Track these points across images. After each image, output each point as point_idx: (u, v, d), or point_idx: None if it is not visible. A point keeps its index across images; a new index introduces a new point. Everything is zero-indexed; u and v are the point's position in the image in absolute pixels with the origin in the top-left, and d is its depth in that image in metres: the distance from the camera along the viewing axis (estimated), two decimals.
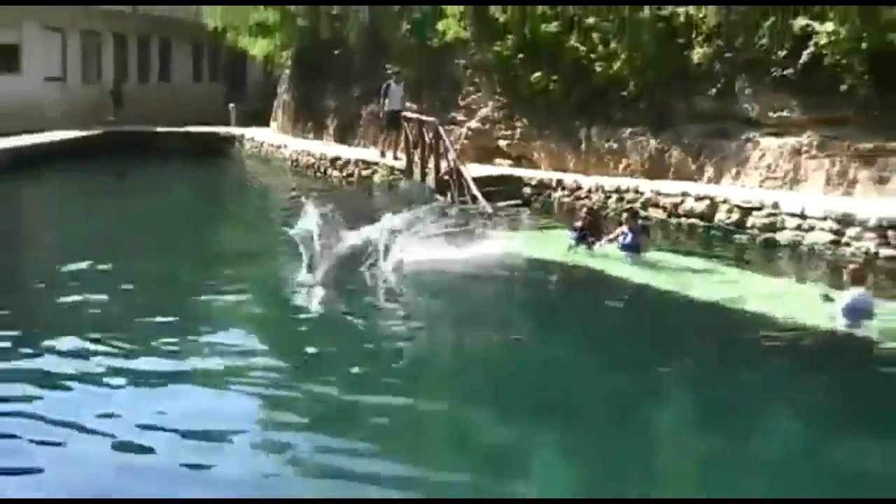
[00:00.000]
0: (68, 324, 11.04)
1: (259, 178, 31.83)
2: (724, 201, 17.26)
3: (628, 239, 14.74)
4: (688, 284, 12.94)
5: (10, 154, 28.56)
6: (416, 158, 23.01)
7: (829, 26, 16.37)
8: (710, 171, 19.05)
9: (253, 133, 36.61)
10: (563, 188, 20.92)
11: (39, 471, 6.90)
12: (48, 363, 9.35)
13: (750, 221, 16.63)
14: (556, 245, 15.65)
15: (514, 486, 6.74)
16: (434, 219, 14.93)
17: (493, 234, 16.74)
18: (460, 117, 25.06)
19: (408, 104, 24.97)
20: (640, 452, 7.41)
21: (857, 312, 10.75)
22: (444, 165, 21.37)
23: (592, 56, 21.09)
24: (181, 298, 12.37)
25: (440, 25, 24.78)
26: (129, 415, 7.93)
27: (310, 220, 13.84)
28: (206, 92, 45.71)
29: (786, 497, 6.31)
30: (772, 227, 16.25)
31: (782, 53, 17.49)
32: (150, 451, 7.30)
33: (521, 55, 22.79)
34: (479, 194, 19.80)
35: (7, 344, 9.92)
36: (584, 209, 16.46)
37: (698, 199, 17.76)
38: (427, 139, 22.22)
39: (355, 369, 9.48)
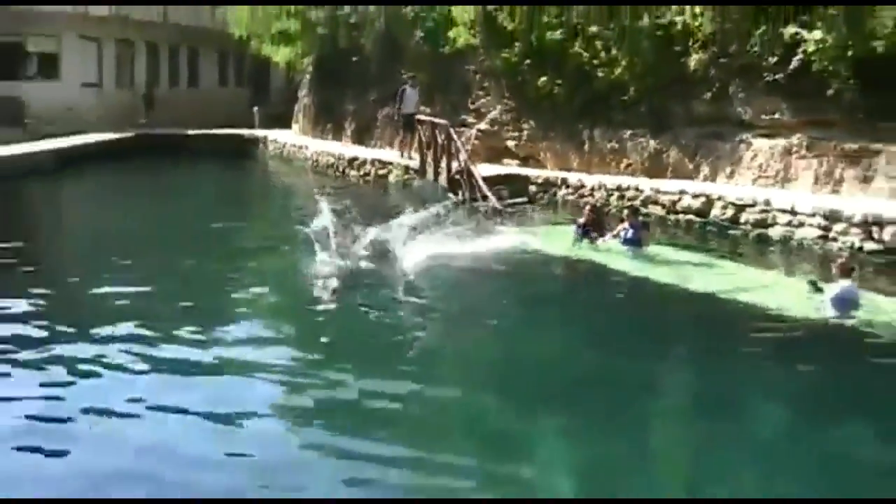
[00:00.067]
0: (104, 311, 11.08)
1: (281, 177, 31.87)
2: (719, 199, 17.25)
3: (629, 234, 14.74)
4: (685, 277, 12.93)
5: (54, 155, 28.71)
6: (429, 158, 23.02)
7: (817, 34, 16.35)
8: (705, 170, 19.06)
9: (276, 135, 36.65)
10: (568, 186, 20.92)
11: (67, 452, 6.90)
12: (82, 350, 9.34)
13: (743, 217, 16.62)
14: (561, 240, 15.63)
15: (518, 468, 6.71)
16: (448, 215, 14.97)
17: (503, 229, 16.77)
18: (470, 120, 25.09)
19: (421, 107, 25.00)
20: (640, 436, 7.39)
21: (844, 303, 10.77)
22: (455, 165, 21.37)
23: (595, 62, 21.09)
24: (207, 290, 12.35)
25: (451, 33, 24.78)
26: (156, 399, 7.94)
27: (324, 217, 13.91)
28: (231, 96, 45.78)
29: (786, 497, 6.23)
30: (764, 223, 16.23)
31: (773, 60, 17.47)
32: (174, 435, 7.29)
33: (527, 61, 22.82)
34: (488, 192, 19.82)
35: (44, 333, 9.94)
36: (588, 206, 16.41)
37: (695, 196, 17.74)
38: (439, 140, 22.22)
39: (368, 357, 9.48)
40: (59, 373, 8.69)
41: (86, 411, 7.67)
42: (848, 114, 16.35)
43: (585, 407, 8.03)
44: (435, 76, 26.41)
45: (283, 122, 38.60)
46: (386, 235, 14.48)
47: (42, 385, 8.37)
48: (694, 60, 19.09)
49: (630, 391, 8.42)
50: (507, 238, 15.81)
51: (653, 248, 14.82)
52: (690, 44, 19.20)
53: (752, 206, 16.56)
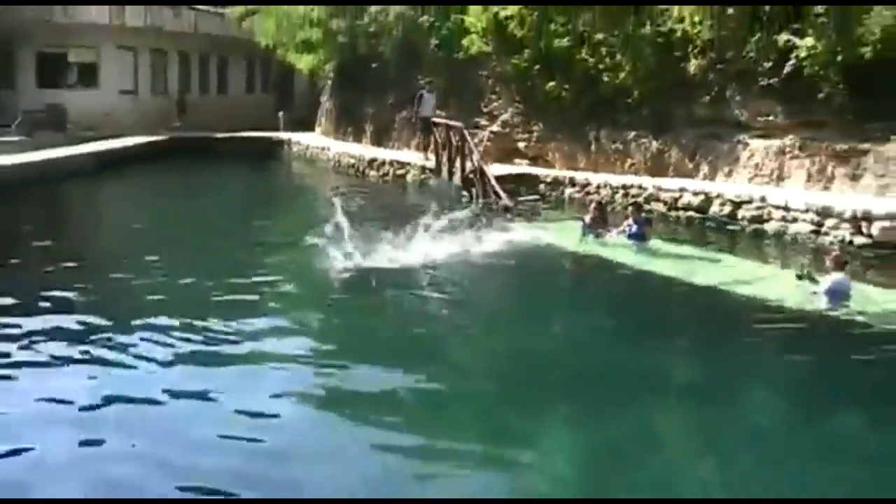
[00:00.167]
0: (139, 302, 11.14)
1: (305, 177, 31.91)
2: (718, 196, 17.25)
3: (633, 229, 14.78)
4: (686, 270, 12.92)
5: (94, 157, 28.86)
6: (444, 159, 23.05)
7: (809, 41, 16.34)
8: (705, 169, 19.06)
9: (299, 137, 36.70)
10: (575, 185, 20.94)
11: (102, 441, 6.84)
12: (120, 340, 9.31)
13: (740, 214, 16.63)
14: (569, 235, 15.65)
15: (526, 459, 6.66)
16: (465, 219, 14.99)
17: (514, 226, 16.81)
18: (483, 122, 25.10)
19: (437, 111, 25.03)
20: (642, 426, 7.34)
21: (837, 294, 10.80)
22: (468, 165, 21.36)
23: (600, 67, 21.10)
24: (233, 282, 12.14)
25: (465, 41, 24.80)
26: (182, 386, 7.97)
27: (338, 217, 13.95)
28: (258, 102, 45.89)
29: (787, 498, 6.11)
30: (760, 219, 16.24)
31: (768, 65, 17.46)
32: (196, 422, 7.26)
33: (536, 67, 22.84)
34: (500, 190, 19.82)
35: (82, 324, 9.96)
36: (594, 203, 16.38)
37: (695, 194, 17.75)
38: (454, 142, 22.23)
39: (382, 348, 9.48)
40: (94, 361, 8.66)
41: (118, 399, 7.66)
42: (838, 116, 16.34)
43: (591, 396, 7.99)
44: (450, 81, 26.42)
45: (307, 125, 38.66)
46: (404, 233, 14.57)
47: (76, 374, 8.36)
48: (693, 66, 19.09)
49: (634, 381, 8.38)
50: (518, 234, 15.83)
51: (655, 243, 14.83)
52: (690, 50, 19.19)
53: (749, 202, 16.57)
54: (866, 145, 15.91)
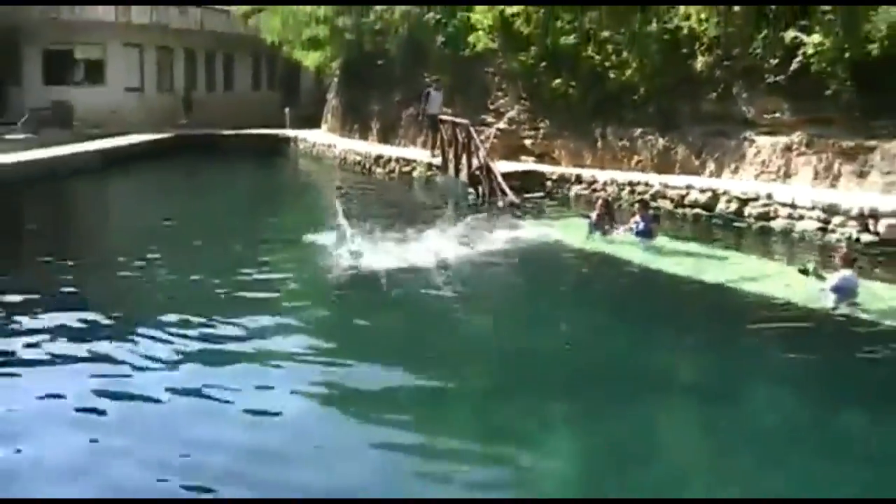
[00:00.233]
0: (146, 300, 11.23)
1: (311, 174, 31.97)
2: (724, 193, 17.24)
3: (640, 226, 14.78)
4: (693, 267, 12.95)
5: (100, 154, 29.00)
6: (451, 156, 23.08)
7: (816, 38, 16.31)
8: (711, 166, 19.06)
9: (305, 134, 36.76)
10: (582, 182, 20.93)
11: (104, 440, 6.84)
12: (122, 337, 9.34)
13: (747, 211, 16.62)
14: (576, 232, 15.63)
15: (531, 456, 6.65)
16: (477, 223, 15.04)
17: (521, 223, 16.84)
18: (489, 119, 25.13)
19: (443, 108, 25.05)
20: (648, 423, 7.36)
21: (844, 291, 10.81)
22: (475, 162, 21.38)
23: (606, 65, 21.07)
24: (237, 279, 12.24)
25: (471, 38, 24.77)
26: (187, 384, 8.00)
27: (340, 218, 14.01)
28: (264, 99, 45.94)
29: (788, 498, 6.07)
30: (766, 216, 16.23)
31: (774, 62, 17.43)
32: (204, 421, 7.26)
33: (543, 64, 22.82)
34: (506, 187, 19.85)
35: (87, 319, 10.02)
36: (600, 200, 16.38)
37: (701, 191, 17.73)
38: (460, 139, 22.27)
39: (389, 343, 9.53)
40: (98, 359, 8.69)
41: (120, 396, 7.66)
42: (845, 113, 16.31)
43: (597, 394, 7.99)
44: (456, 78, 26.45)
45: (313, 122, 38.71)
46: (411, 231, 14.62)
47: (77, 372, 8.38)
48: (700, 63, 19.06)
49: (640, 378, 8.38)
50: (524, 231, 15.86)
51: (662, 240, 14.82)
52: (696, 47, 19.16)
53: (756, 200, 16.55)
54: (873, 142, 15.89)
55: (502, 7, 23.42)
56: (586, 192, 20.52)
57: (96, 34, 37.57)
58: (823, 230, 15.04)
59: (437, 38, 27.24)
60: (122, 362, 8.60)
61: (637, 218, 14.98)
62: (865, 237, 14.33)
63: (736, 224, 16.65)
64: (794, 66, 16.98)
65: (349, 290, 12.00)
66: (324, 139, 34.77)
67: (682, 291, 11.93)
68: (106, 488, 6.09)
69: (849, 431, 7.26)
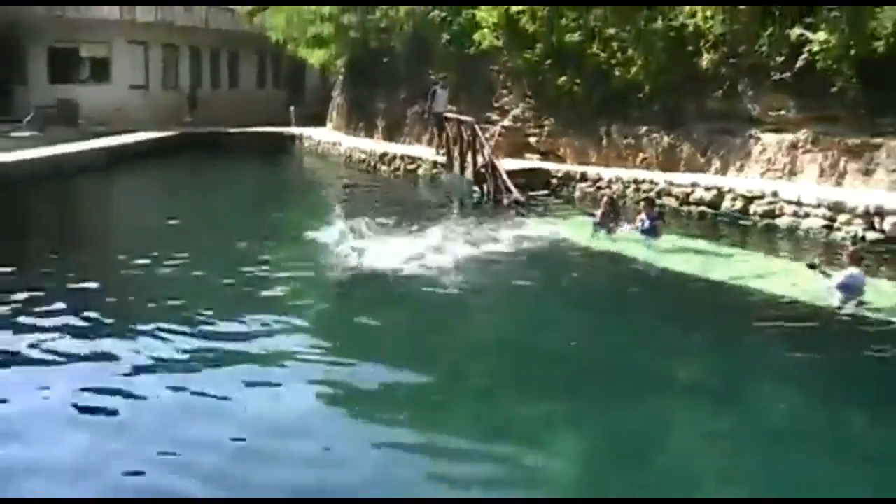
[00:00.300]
0: (148, 298, 11.15)
1: (316, 171, 31.96)
2: (730, 191, 17.22)
3: (646, 224, 14.75)
4: (698, 264, 12.95)
5: (106, 152, 29.06)
6: (456, 154, 23.08)
7: (822, 35, 16.28)
8: (716, 163, 19.04)
9: (311, 132, 36.81)
10: (587, 179, 20.89)
11: (104, 440, 6.83)
12: (127, 334, 9.37)
13: (752, 209, 16.60)
14: (581, 230, 15.65)
15: (536, 455, 6.64)
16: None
17: (526, 220, 16.85)
18: (495, 117, 25.09)
19: (449, 106, 25.05)
20: (652, 419, 7.35)
21: (850, 289, 10.80)
22: (480, 160, 21.34)
23: (612, 62, 21.02)
24: (243, 278, 12.23)
25: (476, 36, 24.75)
26: (188, 383, 8.00)
27: (342, 223, 14.05)
28: (269, 96, 45.98)
29: (791, 498, 6.03)
30: (772, 214, 16.22)
31: (780, 59, 17.41)
32: (204, 421, 7.24)
33: (548, 62, 22.78)
34: (511, 185, 19.84)
35: (91, 316, 10.03)
36: (605, 198, 16.39)
37: (707, 189, 17.71)
38: (465, 136, 22.26)
39: (393, 341, 9.50)
40: (99, 357, 8.69)
41: (122, 394, 7.66)
42: (851, 110, 16.29)
43: (602, 393, 7.97)
44: (461, 76, 26.43)
45: (318, 120, 38.75)
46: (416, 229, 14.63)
47: (82, 368, 8.42)
48: (705, 60, 19.04)
49: (646, 376, 8.38)
50: (529, 229, 15.86)
51: (667, 238, 14.80)
52: (702, 45, 19.13)
53: (761, 197, 16.54)
54: (879, 140, 15.87)
55: (507, 4, 23.42)
56: (591, 189, 20.49)
57: (101, 32, 37.64)
58: (829, 228, 15.04)
59: (442, 36, 27.23)
60: (124, 360, 8.59)
61: (643, 216, 14.96)
62: (871, 235, 14.33)
63: (741, 222, 16.63)
64: (799, 63, 16.96)
65: (352, 287, 12.00)
66: (329, 137, 34.80)
67: (688, 289, 11.92)
68: (106, 488, 6.10)
69: (855, 430, 7.25)
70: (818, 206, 15.36)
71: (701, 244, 14.74)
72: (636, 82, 20.51)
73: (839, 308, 10.60)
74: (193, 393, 7.80)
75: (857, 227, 14.56)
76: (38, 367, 8.46)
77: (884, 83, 15.56)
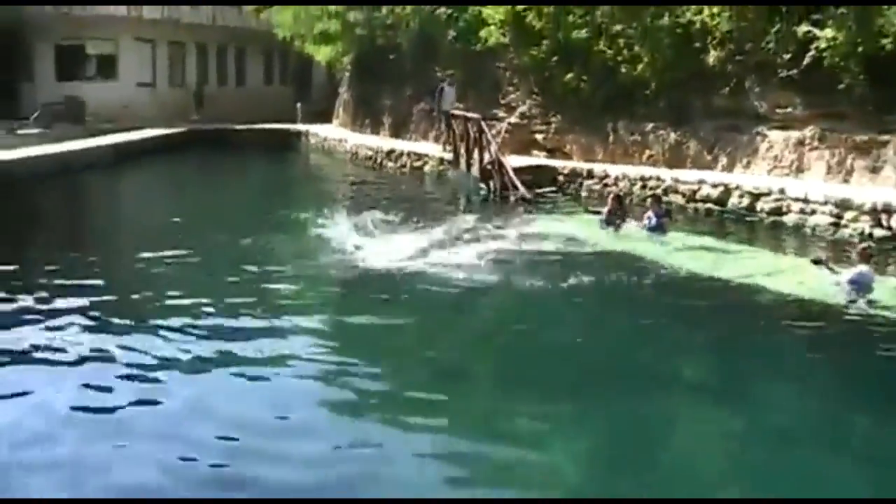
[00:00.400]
0: (155, 292, 11.19)
1: (322, 168, 32.01)
2: (737, 188, 17.20)
3: (653, 222, 14.74)
4: (705, 262, 12.92)
5: (112, 149, 29.12)
6: (462, 151, 23.09)
7: (829, 32, 16.25)
8: (723, 160, 19.01)
9: (317, 129, 36.86)
10: (593, 177, 20.89)
11: (105, 440, 6.79)
12: (126, 336, 9.31)
13: (759, 206, 16.58)
14: (587, 227, 15.61)
15: (542, 456, 6.61)
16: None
17: (532, 218, 16.84)
18: (501, 114, 25.12)
19: (455, 103, 25.05)
20: (657, 418, 7.32)
21: (859, 286, 10.78)
22: (486, 157, 21.35)
23: (618, 59, 21.02)
24: (245, 277, 12.16)
25: (483, 32, 24.77)
26: (187, 382, 8.02)
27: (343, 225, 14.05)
28: (276, 93, 46.01)
29: (794, 498, 5.97)
30: (779, 211, 16.19)
31: (787, 56, 17.37)
32: (203, 421, 7.16)
33: (554, 58, 22.78)
34: (518, 182, 19.85)
35: (89, 321, 9.91)
36: (612, 195, 16.38)
37: (713, 186, 17.69)
38: (471, 133, 22.28)
39: (396, 340, 9.48)
40: (98, 358, 8.60)
41: (123, 394, 7.61)
42: (858, 107, 16.26)
43: (607, 391, 7.93)
44: (467, 73, 26.43)
45: (325, 117, 38.80)
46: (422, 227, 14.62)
47: (82, 367, 8.38)
48: (712, 57, 19.01)
49: (652, 375, 8.35)
50: (536, 226, 15.85)
51: (674, 235, 14.77)
52: (708, 41, 19.11)
53: (768, 194, 16.52)
54: (886, 137, 15.83)
55: (515, 4, 23.40)
56: (598, 187, 20.48)
57: (108, 29, 37.73)
58: (836, 225, 15.01)
59: (448, 33, 27.23)
60: (127, 358, 8.56)
61: (650, 213, 14.95)
62: (878, 232, 14.29)
63: (748, 219, 16.60)
64: (806, 60, 16.91)
65: (357, 285, 11.97)
66: (335, 134, 34.83)
67: (695, 287, 11.88)
68: (106, 488, 6.08)
69: (863, 430, 7.22)
70: (825, 203, 15.34)
71: (708, 241, 14.70)
72: (643, 79, 20.50)
73: (847, 306, 10.56)
74: (195, 392, 7.80)
75: (865, 225, 14.53)
76: (40, 365, 8.44)
77: (891, 80, 15.51)
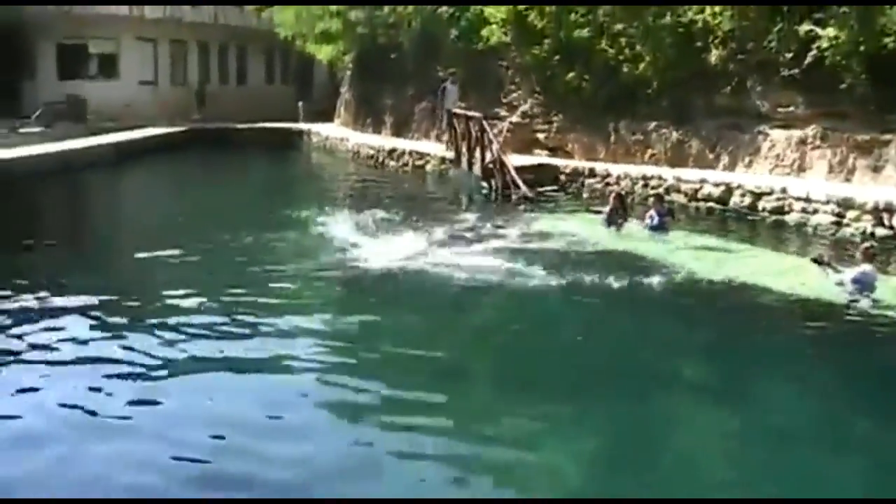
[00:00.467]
0: (154, 291, 11.23)
1: (324, 167, 32.02)
2: (738, 187, 17.20)
3: (655, 221, 14.75)
4: (708, 261, 12.90)
5: (114, 148, 29.14)
6: (464, 150, 23.09)
7: (831, 31, 16.25)
8: (725, 159, 19.02)
9: (319, 128, 36.86)
10: (595, 175, 20.89)
11: (104, 440, 6.81)
12: (125, 337, 9.26)
13: (761, 205, 16.58)
14: (589, 226, 15.63)
15: (543, 458, 6.60)
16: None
17: (534, 216, 16.84)
18: (503, 113, 25.11)
19: (458, 103, 25.02)
20: (660, 418, 7.33)
21: (862, 285, 10.78)
22: (488, 156, 21.36)
23: (620, 58, 21.04)
24: (246, 276, 12.12)
25: (485, 31, 24.78)
26: (187, 381, 8.02)
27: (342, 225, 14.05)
28: (277, 92, 46.00)
29: (797, 497, 5.97)
30: (780, 210, 16.19)
31: (789, 55, 17.37)
32: (202, 421, 7.14)
33: (556, 57, 22.79)
34: (520, 181, 19.85)
35: (90, 320, 9.93)
36: (614, 194, 16.34)
37: (715, 185, 17.70)
38: (473, 132, 22.28)
39: (398, 340, 9.46)
40: (96, 359, 8.57)
41: (123, 394, 7.61)
42: (860, 106, 16.25)
43: (609, 391, 7.92)
44: (469, 72, 26.41)
45: (326, 116, 38.81)
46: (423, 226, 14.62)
47: (80, 366, 8.38)
48: (714, 56, 19.03)
49: (653, 374, 8.36)
50: (537, 225, 15.86)
51: (676, 234, 14.78)
52: (710, 40, 19.11)
53: (770, 193, 16.52)
54: (888, 136, 15.82)
55: (517, 4, 23.40)
56: (600, 185, 20.48)
57: (110, 28, 37.76)
58: (838, 224, 15.01)
59: (450, 32, 27.24)
60: (125, 358, 8.55)
61: (652, 212, 14.96)
62: (880, 231, 14.29)
63: (750, 218, 16.60)
64: (808, 59, 16.91)
65: (357, 284, 11.94)
66: (337, 133, 34.85)
67: (697, 286, 11.83)
68: (106, 488, 6.08)
69: (865, 431, 7.21)
70: (827, 202, 15.34)
71: (709, 241, 14.69)
72: (645, 78, 20.51)
73: (849, 305, 10.56)
74: (195, 392, 7.80)
75: (866, 224, 14.53)
76: (40, 365, 8.43)
77: (893, 80, 15.51)
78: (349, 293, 11.92)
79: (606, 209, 15.59)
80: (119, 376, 8.09)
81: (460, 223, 15.82)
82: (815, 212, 15.52)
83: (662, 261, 13.07)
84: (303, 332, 9.62)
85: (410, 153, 26.90)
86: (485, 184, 21.20)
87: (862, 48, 15.76)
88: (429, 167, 25.67)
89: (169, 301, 10.69)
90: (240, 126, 37.46)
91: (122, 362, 8.45)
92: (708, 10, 18.92)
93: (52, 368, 8.31)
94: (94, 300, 10.58)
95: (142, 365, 8.37)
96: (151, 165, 29.48)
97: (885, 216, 14.33)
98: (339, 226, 15.07)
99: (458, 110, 24.07)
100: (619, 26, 21.12)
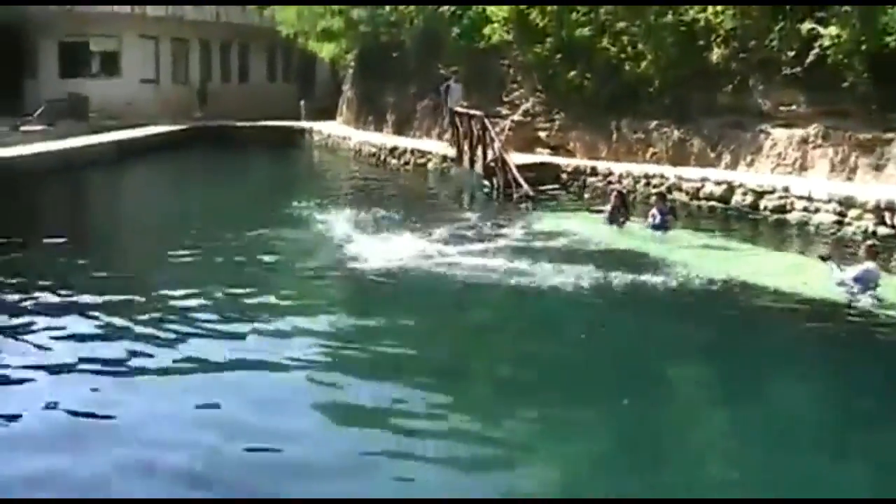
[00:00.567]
0: (160, 287, 11.22)
1: (326, 165, 32.02)
2: (740, 185, 17.18)
3: (657, 220, 14.76)
4: (710, 260, 12.92)
5: (116, 146, 29.16)
6: (466, 148, 23.08)
7: (833, 30, 16.23)
8: (727, 158, 18.99)
9: (321, 126, 36.84)
10: (597, 174, 20.87)
11: (104, 440, 6.81)
12: (123, 337, 9.28)
13: (763, 203, 16.57)
14: (590, 224, 15.65)
15: (546, 456, 6.62)
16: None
17: (535, 215, 16.84)
18: (505, 111, 25.07)
19: (461, 101, 24.99)
20: (661, 418, 7.33)
21: (865, 283, 10.78)
22: (490, 154, 21.37)
23: (622, 57, 21.02)
24: (247, 276, 12.14)
25: (486, 30, 24.75)
26: (186, 381, 8.04)
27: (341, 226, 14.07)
28: (279, 90, 45.99)
29: (798, 498, 5.96)
30: (782, 209, 16.18)
31: (791, 54, 17.35)
32: (200, 422, 7.16)
33: (558, 56, 22.75)
34: (521, 180, 19.83)
35: (89, 319, 9.94)
36: (615, 193, 16.38)
37: (717, 183, 17.68)
38: (475, 131, 22.27)
39: (399, 339, 9.42)
40: (93, 362, 8.53)
41: (123, 395, 7.64)
42: (862, 105, 16.24)
43: (610, 390, 7.93)
44: (471, 70, 26.39)
45: (328, 114, 38.78)
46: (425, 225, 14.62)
47: (85, 367, 8.38)
48: (716, 55, 19.00)
49: (655, 373, 8.39)
50: (539, 223, 15.86)
51: (678, 233, 14.79)
52: (712, 39, 19.09)
53: (771, 192, 16.51)
54: (890, 135, 15.81)
55: (519, 4, 23.38)
56: (601, 184, 20.46)
57: (112, 26, 37.76)
58: (839, 223, 15.00)
59: (452, 30, 27.22)
60: (125, 357, 8.57)
61: (654, 211, 14.96)
62: (882, 230, 14.28)
63: (751, 217, 16.59)
64: (810, 58, 16.89)
65: (357, 283, 11.96)
66: (339, 131, 34.85)
67: (699, 285, 11.81)
68: (106, 488, 6.08)
69: (868, 430, 7.19)
70: (829, 201, 15.33)
71: (711, 240, 14.72)
72: (646, 77, 20.49)
73: (852, 303, 10.57)
74: (194, 391, 7.80)
75: (868, 223, 14.52)
76: (39, 364, 8.44)
77: (895, 78, 15.50)
78: (350, 292, 11.94)
79: (608, 208, 15.60)
80: (119, 375, 8.13)
81: (462, 222, 15.83)
82: (817, 211, 15.51)
83: (664, 260, 13.06)
84: (303, 331, 9.61)
85: (412, 151, 26.90)
86: (486, 182, 21.20)
87: (864, 47, 15.75)
88: (430, 165, 25.67)
89: (170, 300, 10.70)
90: (241, 124, 37.43)
91: (122, 361, 8.47)
92: (710, 8, 18.90)
93: (52, 368, 8.32)
94: (94, 299, 10.59)
95: (142, 364, 8.39)
96: (153, 164, 29.50)
97: (887, 215, 14.31)
98: (340, 224, 15.07)
99: (459, 109, 24.05)
100: (621, 25, 21.10)
